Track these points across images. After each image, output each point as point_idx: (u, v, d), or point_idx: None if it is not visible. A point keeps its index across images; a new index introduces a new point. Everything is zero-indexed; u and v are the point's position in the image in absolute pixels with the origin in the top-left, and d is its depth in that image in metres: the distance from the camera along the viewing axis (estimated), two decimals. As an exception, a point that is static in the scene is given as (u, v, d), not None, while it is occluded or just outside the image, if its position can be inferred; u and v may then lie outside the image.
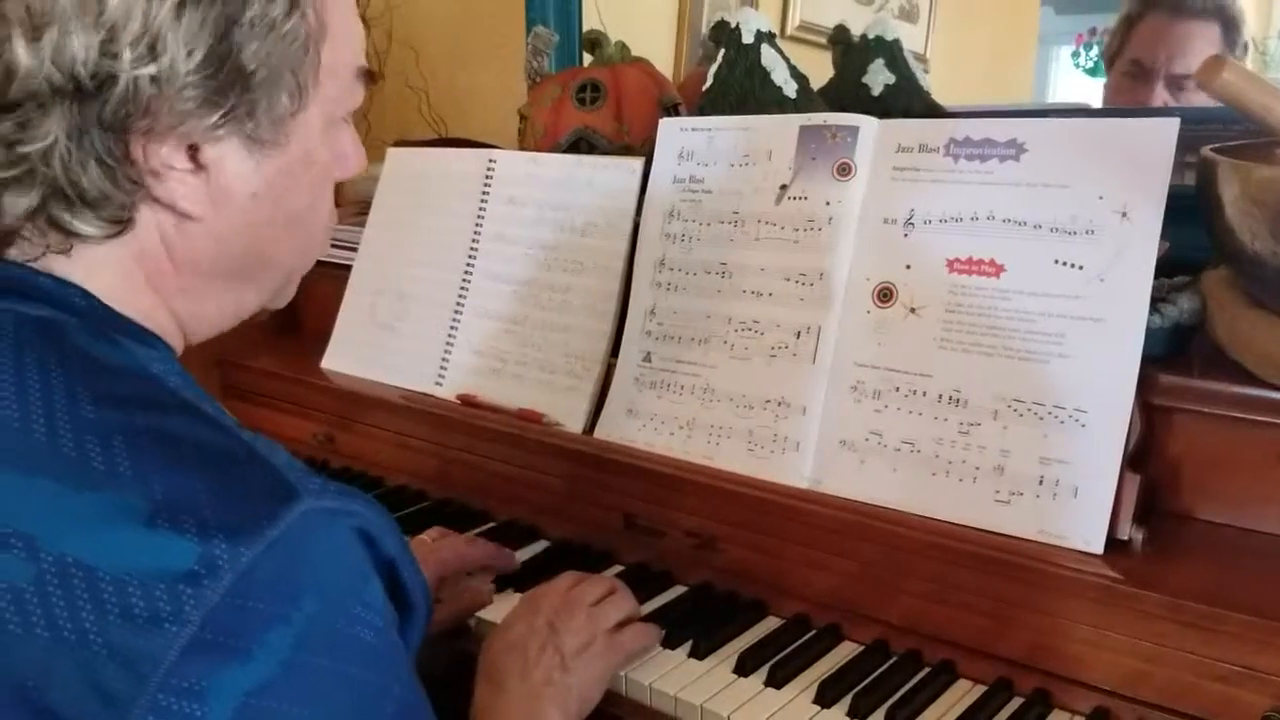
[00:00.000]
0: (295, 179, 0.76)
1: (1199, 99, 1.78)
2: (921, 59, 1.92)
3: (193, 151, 0.70)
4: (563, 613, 1.00)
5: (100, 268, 0.71)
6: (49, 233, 0.69)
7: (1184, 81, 1.78)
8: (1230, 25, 1.76)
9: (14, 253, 0.70)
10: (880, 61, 1.41)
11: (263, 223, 0.76)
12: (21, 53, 0.63)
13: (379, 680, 0.67)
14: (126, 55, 0.64)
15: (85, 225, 0.69)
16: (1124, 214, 1.01)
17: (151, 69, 0.65)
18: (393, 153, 1.62)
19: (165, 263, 0.74)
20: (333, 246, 1.67)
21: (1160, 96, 1.79)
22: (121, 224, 0.70)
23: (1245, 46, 1.76)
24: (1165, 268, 1.03)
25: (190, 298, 0.77)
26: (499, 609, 1.13)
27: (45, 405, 0.64)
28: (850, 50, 1.44)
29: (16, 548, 0.59)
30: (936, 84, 1.47)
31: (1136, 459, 0.99)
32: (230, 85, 0.68)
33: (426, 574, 1.08)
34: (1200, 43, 1.78)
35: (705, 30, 2.45)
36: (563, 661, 0.95)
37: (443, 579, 1.14)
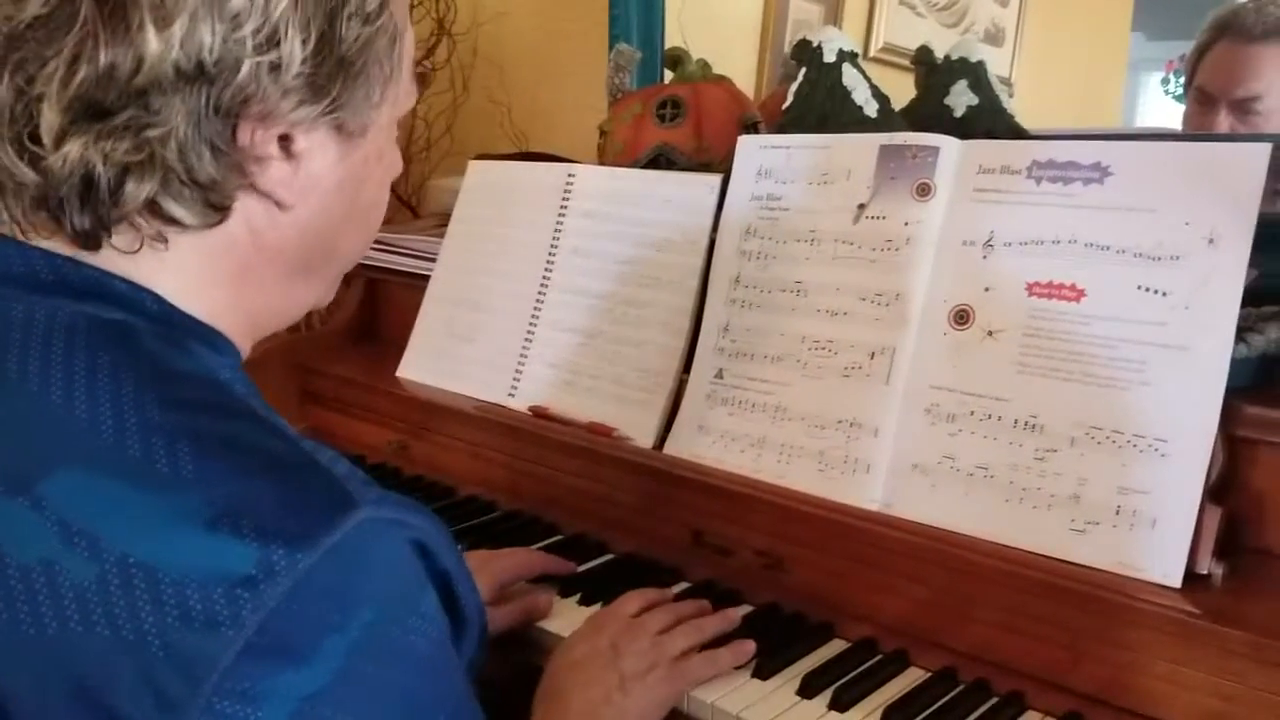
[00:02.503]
0: (370, 171, 0.79)
1: (1273, 125, 1.76)
2: (1006, 83, 1.90)
3: (284, 141, 0.72)
4: (626, 635, 1.00)
5: (186, 260, 0.73)
6: (151, 223, 0.70)
7: (1248, 105, 1.75)
8: None
9: (117, 242, 0.71)
10: (964, 83, 1.40)
11: (341, 214, 0.78)
12: (152, 40, 0.65)
13: (433, 691, 0.67)
14: (249, 43, 0.66)
15: (189, 214, 0.70)
16: (1211, 240, 0.98)
17: (272, 56, 0.67)
18: (474, 165, 1.64)
19: (251, 254, 0.75)
20: (412, 257, 1.70)
21: (1224, 123, 1.76)
22: (222, 211, 0.72)
23: None
24: (1253, 297, 1.01)
25: (266, 290, 0.78)
26: (561, 619, 1.14)
27: (114, 406, 0.64)
28: (934, 71, 1.43)
29: (81, 546, 0.60)
30: (1022, 108, 1.45)
31: (1218, 491, 0.96)
32: (335, 74, 0.71)
33: (485, 582, 1.10)
34: (1266, 67, 1.75)
35: (788, 49, 2.46)
36: (622, 683, 0.95)
37: (501, 586, 1.16)
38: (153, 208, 0.69)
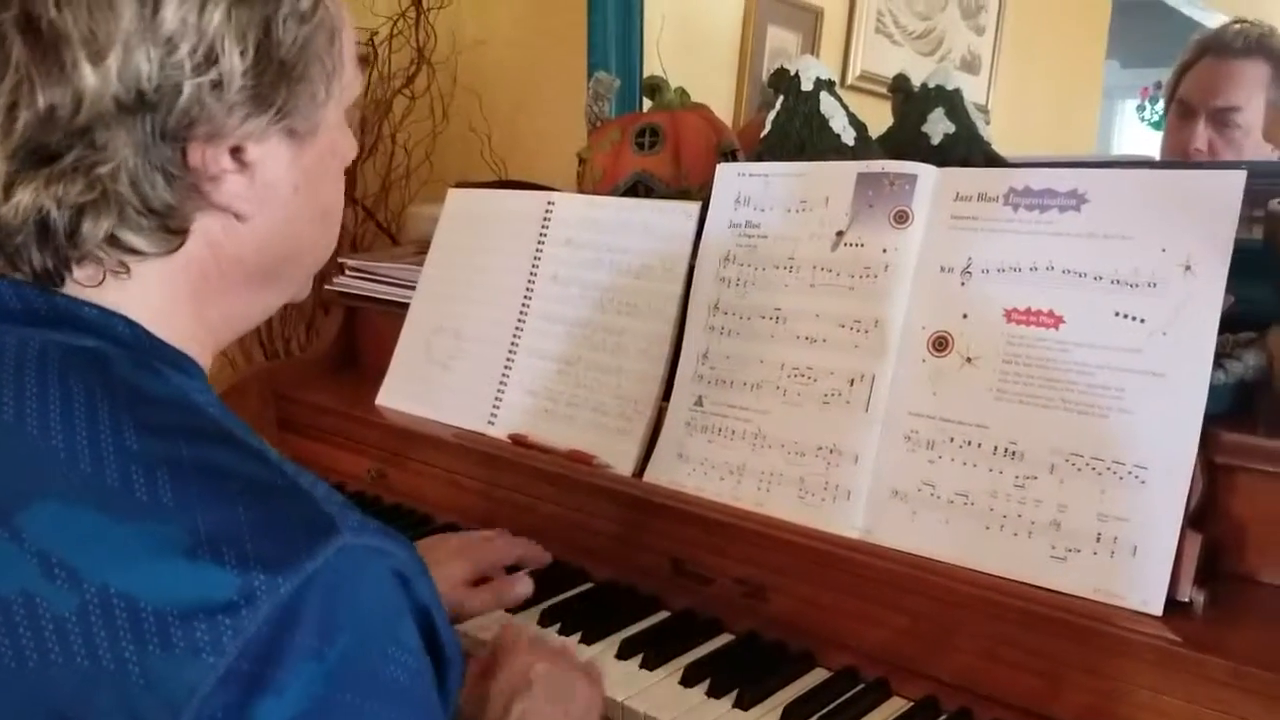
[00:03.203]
0: (326, 168, 0.79)
1: (1251, 140, 1.79)
2: (982, 110, 1.92)
3: (236, 153, 0.71)
4: (552, 685, 0.94)
5: (147, 289, 0.72)
6: (112, 255, 0.70)
7: (1225, 116, 1.79)
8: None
9: (79, 276, 0.70)
10: (940, 110, 1.40)
11: (302, 216, 0.78)
12: (88, 76, 0.64)
13: None
14: (187, 65, 0.66)
15: (149, 243, 0.70)
16: (1188, 267, 0.99)
17: (212, 74, 0.67)
18: (453, 193, 1.64)
19: (211, 269, 0.75)
20: (391, 285, 1.69)
21: (1203, 134, 1.80)
22: (182, 235, 0.71)
23: None
24: (1231, 323, 1.01)
25: (228, 301, 0.78)
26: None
27: (91, 435, 0.64)
28: (910, 99, 1.44)
29: (60, 578, 0.60)
30: (998, 135, 1.46)
31: (1198, 518, 0.96)
32: (278, 81, 0.70)
33: (465, 567, 1.17)
34: (1246, 80, 1.79)
35: (766, 77, 2.47)
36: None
37: (479, 571, 1.19)
38: (112, 240, 0.69)
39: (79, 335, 0.69)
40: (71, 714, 0.58)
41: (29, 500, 0.62)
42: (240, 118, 0.69)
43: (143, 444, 0.64)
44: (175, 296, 0.74)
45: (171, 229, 0.70)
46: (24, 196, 0.66)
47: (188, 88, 0.66)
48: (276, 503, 0.64)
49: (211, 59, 0.67)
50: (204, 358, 0.78)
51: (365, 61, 0.82)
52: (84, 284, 0.70)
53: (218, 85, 0.67)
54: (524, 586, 1.18)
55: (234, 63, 0.67)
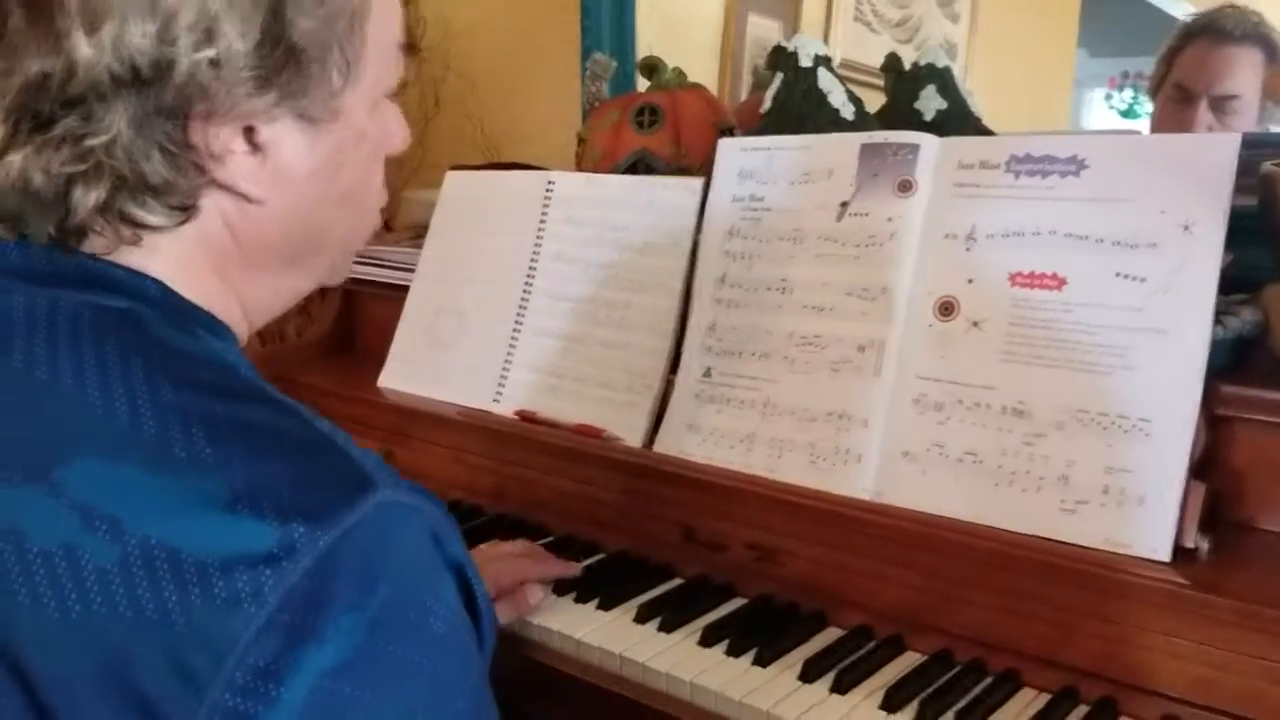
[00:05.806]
0: (348, 155, 0.77)
1: (1245, 121, 1.82)
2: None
3: (249, 134, 0.71)
4: None
5: (169, 257, 0.72)
6: (119, 226, 0.70)
7: (1227, 104, 1.82)
8: (1272, 50, 1.80)
9: (87, 247, 0.71)
10: (932, 88, 1.44)
11: (319, 201, 0.77)
12: (82, 46, 0.64)
13: (450, 674, 0.67)
14: (184, 41, 0.65)
15: (152, 215, 0.70)
16: (1186, 227, 1.02)
17: (210, 52, 0.66)
18: (451, 176, 1.65)
19: (231, 248, 0.75)
20: (389, 268, 1.70)
21: (1204, 119, 1.82)
22: (187, 210, 0.71)
23: None
24: (1225, 287, 1.05)
25: (253, 282, 0.78)
26: (561, 617, 1.15)
27: (127, 392, 0.65)
28: (902, 77, 1.47)
29: (102, 530, 0.61)
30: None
31: (1201, 468, 1.00)
32: (284, 64, 0.69)
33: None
34: (1243, 66, 1.82)
35: (748, 61, 2.51)
36: None
37: (499, 589, 1.16)
38: (115, 212, 0.69)
39: (110, 296, 0.70)
40: (117, 663, 0.59)
41: (68, 455, 0.63)
42: (241, 97, 0.68)
43: (179, 400, 0.65)
44: (198, 271, 0.74)
45: (174, 205, 0.70)
46: (15, 160, 0.67)
47: (184, 64, 0.66)
48: (314, 458, 0.65)
49: (211, 36, 0.66)
50: (238, 330, 0.78)
51: (413, 48, 0.79)
52: (99, 252, 0.71)
53: (216, 63, 0.66)
54: (536, 597, 1.17)
55: (234, 42, 0.67)
